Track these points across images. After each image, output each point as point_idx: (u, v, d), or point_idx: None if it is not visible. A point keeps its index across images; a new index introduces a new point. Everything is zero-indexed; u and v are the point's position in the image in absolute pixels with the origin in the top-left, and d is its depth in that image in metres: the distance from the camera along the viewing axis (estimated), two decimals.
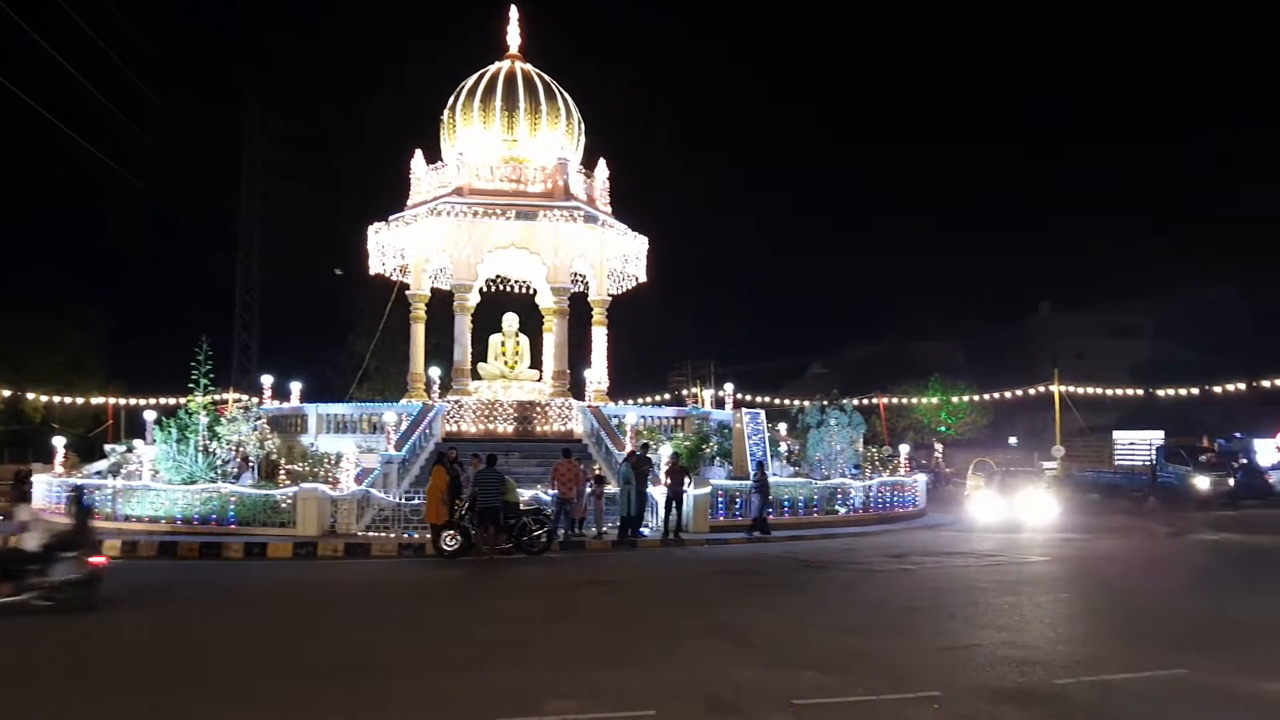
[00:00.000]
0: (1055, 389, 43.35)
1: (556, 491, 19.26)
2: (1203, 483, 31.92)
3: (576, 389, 28.71)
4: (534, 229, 26.50)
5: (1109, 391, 47.70)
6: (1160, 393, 46.23)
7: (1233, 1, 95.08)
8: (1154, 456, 36.03)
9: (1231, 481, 31.70)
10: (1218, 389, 44.18)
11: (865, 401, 47.02)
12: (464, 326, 27.26)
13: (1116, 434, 48.46)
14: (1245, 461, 33.08)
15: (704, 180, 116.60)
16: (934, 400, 52.40)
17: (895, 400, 51.27)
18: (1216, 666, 8.32)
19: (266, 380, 28.46)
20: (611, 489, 20.76)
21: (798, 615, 11.64)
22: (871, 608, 12.30)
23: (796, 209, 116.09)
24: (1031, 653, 9.17)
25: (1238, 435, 42.00)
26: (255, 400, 27.51)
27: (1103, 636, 9.98)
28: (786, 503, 22.51)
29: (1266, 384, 41.89)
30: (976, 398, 51.76)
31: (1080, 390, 46.38)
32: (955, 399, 52.51)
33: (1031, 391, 47.22)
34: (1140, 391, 48.10)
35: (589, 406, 26.17)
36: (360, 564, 17.43)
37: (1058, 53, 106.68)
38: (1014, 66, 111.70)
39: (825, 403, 27.29)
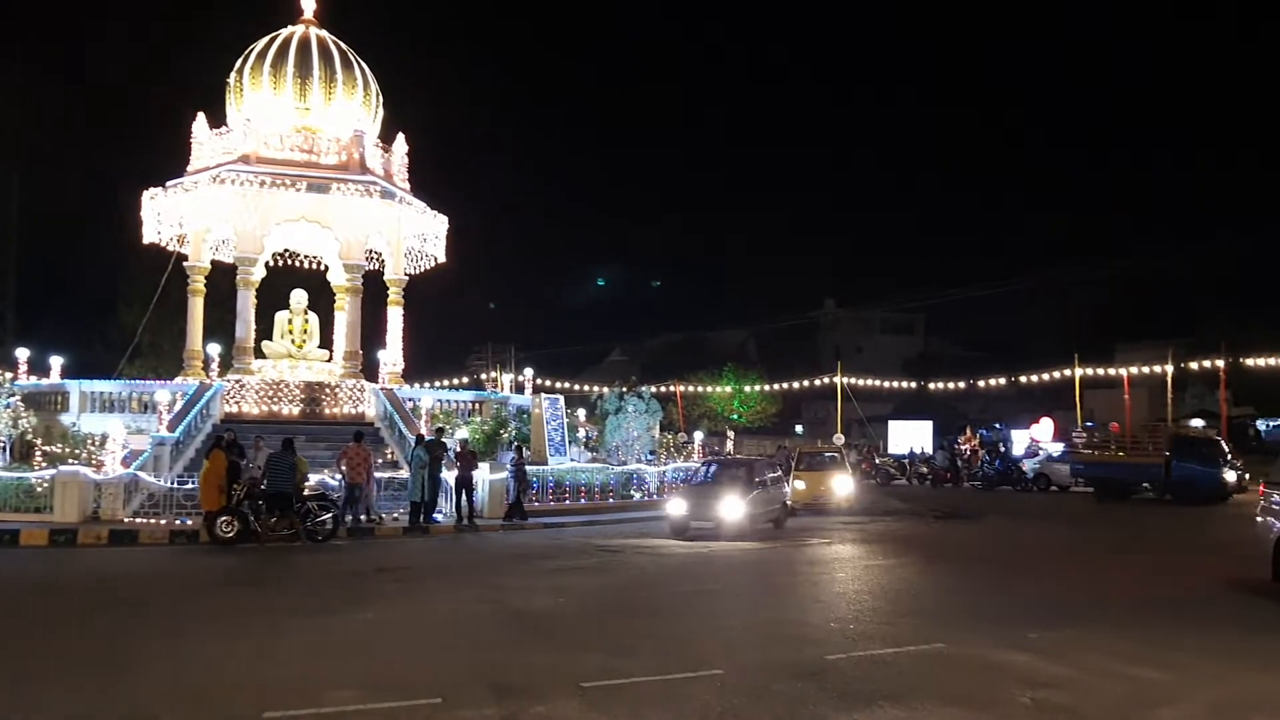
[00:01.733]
0: (838, 380, 45.68)
1: (345, 476, 18.60)
2: (967, 469, 35.50)
3: (369, 371, 27.79)
4: (326, 202, 25.36)
5: (885, 383, 50.78)
6: (931, 385, 49.62)
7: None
8: (926, 446, 38.82)
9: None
10: (981, 383, 47.87)
11: (663, 389, 48.06)
12: (248, 302, 25.82)
13: (891, 423, 51.77)
14: (1002, 450, 35.97)
15: (512, 164, 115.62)
16: (728, 389, 54.16)
17: (691, 388, 52.62)
18: (972, 640, 8.94)
19: (22, 354, 25.96)
20: (403, 474, 20.24)
21: (591, 599, 11.68)
22: (662, 590, 12.51)
23: (603, 196, 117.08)
24: (807, 630, 9.57)
25: (997, 426, 45.67)
26: (9, 376, 25.00)
27: (872, 614, 10.52)
28: (583, 487, 22.65)
29: (1023, 379, 45.72)
30: (767, 387, 53.88)
31: (860, 382, 49.12)
32: (747, 388, 54.48)
33: (817, 382, 49.61)
34: (913, 384, 51.50)
35: (382, 389, 25.37)
36: (127, 552, 16.21)
37: (851, 56, 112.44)
38: (820, 67, 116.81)
39: (624, 389, 27.61)
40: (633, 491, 23.84)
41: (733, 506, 18.00)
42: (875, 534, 19.52)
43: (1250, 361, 38.40)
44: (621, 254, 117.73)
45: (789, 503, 21.35)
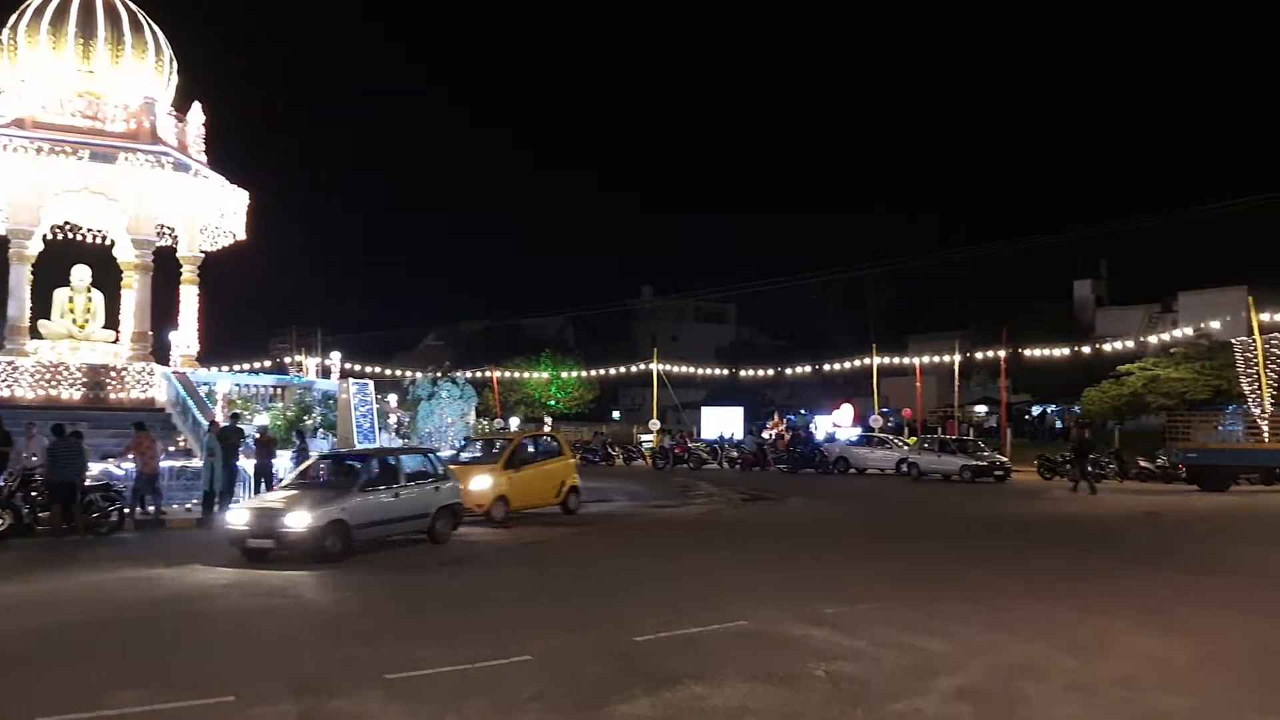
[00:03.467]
0: (654, 367, 46.44)
1: (134, 465, 17.40)
2: (774, 452, 36.91)
3: (160, 353, 26.03)
4: (113, 173, 23.52)
5: (699, 371, 52.02)
6: (741, 373, 51.20)
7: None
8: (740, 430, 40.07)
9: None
10: (788, 371, 49.78)
11: (479, 374, 47.49)
12: (22, 278, 23.63)
13: (704, 409, 53.13)
14: (805, 434, 37.57)
15: (322, 140, 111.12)
16: (545, 375, 54.08)
17: (508, 374, 52.23)
18: (774, 617, 9.25)
19: None
20: (196, 463, 19.11)
21: (402, 591, 11.39)
22: (478, 579, 12.34)
23: (421, 180, 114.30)
24: (616, 614, 9.65)
25: (803, 411, 47.63)
26: None
27: (680, 596, 10.74)
28: None
29: (826, 367, 47.84)
30: (584, 374, 54.14)
31: (675, 369, 50.10)
32: (565, 374, 54.58)
33: (633, 369, 50.25)
34: (725, 371, 53.01)
35: (174, 372, 23.82)
36: None
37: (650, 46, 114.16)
38: (622, 74, 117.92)
39: (438, 375, 27.05)
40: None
41: (300, 518, 12.99)
42: (678, 519, 19.94)
43: (1027, 351, 41.58)
44: (439, 239, 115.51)
45: (459, 504, 15.78)
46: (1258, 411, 30.61)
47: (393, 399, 28.14)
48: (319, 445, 21.99)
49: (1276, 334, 30.96)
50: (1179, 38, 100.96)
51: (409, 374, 36.83)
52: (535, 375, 53.78)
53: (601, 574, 12.62)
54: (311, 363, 33.30)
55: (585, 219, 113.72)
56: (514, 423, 30.56)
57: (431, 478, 15.41)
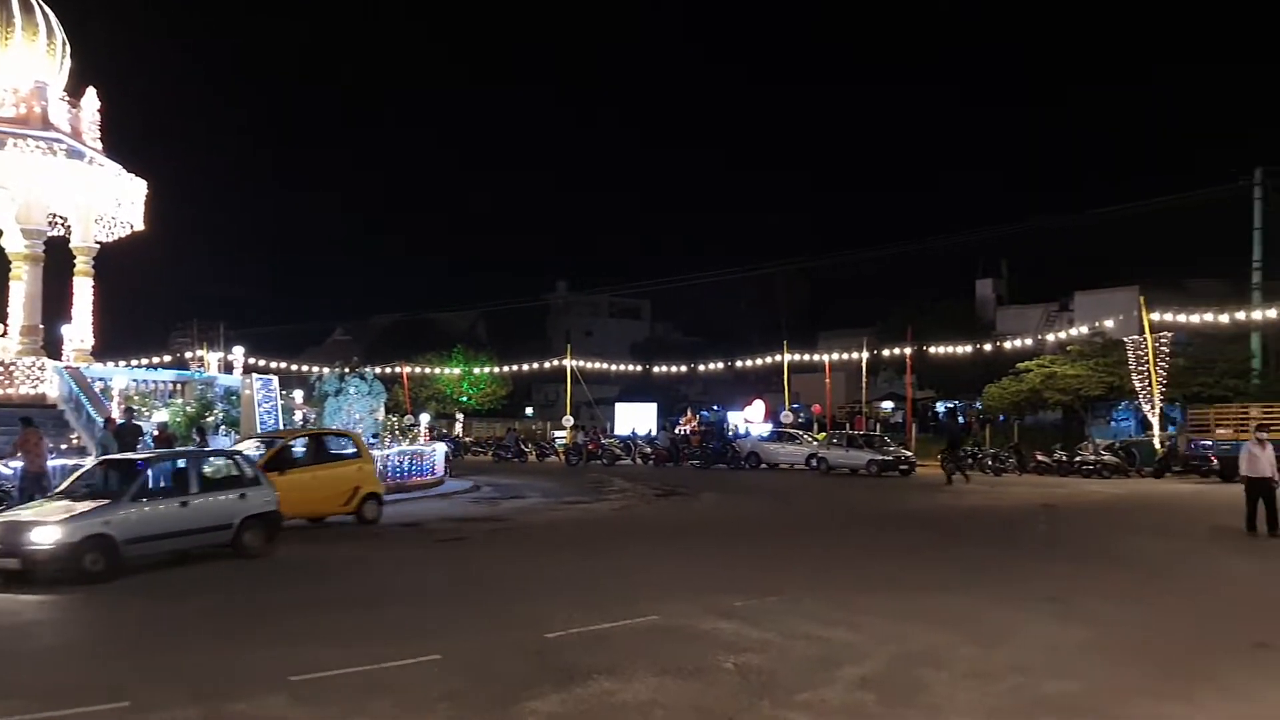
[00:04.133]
0: (567, 363, 46.32)
1: (22, 464, 16.64)
2: (687, 448, 37.18)
3: (52, 348, 25.00)
4: (1, 160, 22.50)
5: (613, 367, 52.09)
6: (655, 369, 51.42)
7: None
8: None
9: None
10: (701, 367, 50.18)
11: (389, 370, 46.73)
12: None
13: (618, 405, 53.22)
14: (718, 430, 37.95)
15: (228, 128, 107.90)
16: (457, 371, 53.47)
17: (419, 370, 51.51)
18: (685, 611, 9.32)
19: None
20: (91, 461, 18.36)
21: (304, 591, 11.15)
22: (383, 577, 12.16)
23: (332, 173, 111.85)
24: (528, 611, 9.61)
25: (715, 407, 48.07)
26: None
27: (592, 593, 10.75)
28: None
29: (739, 364, 48.37)
30: (497, 369, 53.70)
31: (589, 365, 50.07)
32: (477, 370, 54.04)
33: (547, 365, 50.04)
34: (639, 367, 53.17)
35: (67, 368, 22.89)
36: None
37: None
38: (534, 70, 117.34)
39: (346, 370, 26.52)
40: None
41: (49, 533, 11.15)
42: (592, 515, 19.96)
43: (931, 349, 42.67)
44: (349, 232, 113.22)
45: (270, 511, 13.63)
46: (1148, 407, 32.07)
47: (299, 395, 27.46)
48: (221, 443, 21.39)
49: (1166, 332, 32.48)
50: (1079, 47, 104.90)
51: (316, 370, 36.03)
52: (447, 371, 53.12)
53: (513, 572, 12.54)
54: (214, 358, 32.30)
55: (501, 213, 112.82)
56: (424, 419, 30.09)
57: (239, 483, 13.46)
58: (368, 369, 27.98)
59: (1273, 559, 13.32)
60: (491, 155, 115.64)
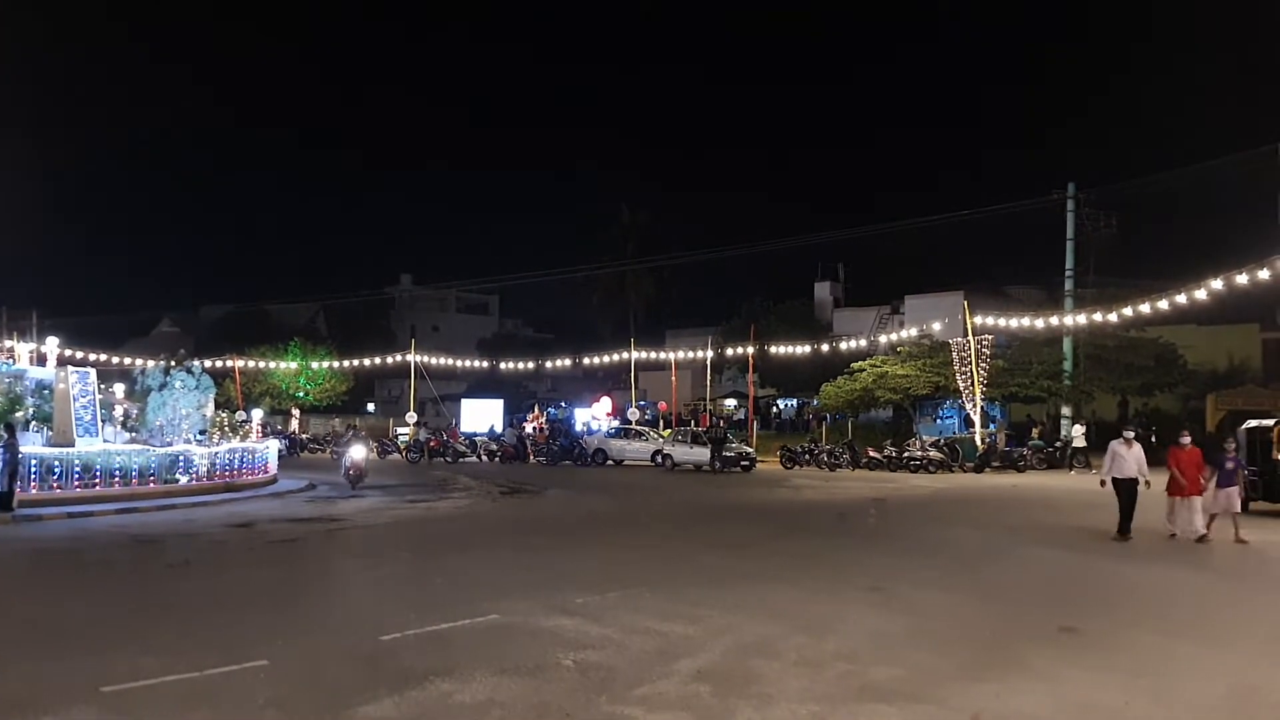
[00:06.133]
0: (411, 358, 45.35)
1: None
2: (533, 445, 37.15)
3: None
4: None
5: (459, 362, 51.31)
6: (503, 365, 50.96)
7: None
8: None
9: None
10: (549, 363, 50.04)
11: (219, 363, 44.62)
12: None
13: (464, 401, 52.50)
14: (565, 427, 37.97)
15: (59, 99, 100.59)
16: (294, 365, 51.54)
17: (253, 363, 49.41)
18: (525, 609, 9.28)
19: None
20: None
21: (124, 596, 10.51)
22: (208, 581, 11.58)
23: (161, 151, 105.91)
24: (364, 614, 9.37)
25: (563, 404, 48.02)
26: None
27: (430, 593, 10.56)
28: (117, 472, 20.32)
29: (587, 360, 48.48)
30: (337, 364, 52.05)
31: (435, 360, 49.15)
32: (316, 365, 52.22)
33: (390, 360, 48.83)
34: (486, 363, 52.57)
35: None
36: None
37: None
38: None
39: (171, 363, 25.14)
40: (179, 476, 21.84)
41: None
42: (435, 514, 19.64)
43: (772, 348, 43.91)
44: (178, 216, 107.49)
45: None
46: (970, 406, 33.96)
47: (120, 389, 25.87)
48: (31, 440, 19.98)
49: (987, 335, 34.52)
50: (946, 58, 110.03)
51: (140, 362, 34.02)
52: (283, 365, 51.09)
53: (348, 574, 12.21)
54: (24, 349, 29.99)
55: (342, 201, 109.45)
56: (257, 415, 28.88)
57: None
58: (196, 362, 26.62)
59: (1078, 548, 14.31)
60: (336, 138, 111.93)
